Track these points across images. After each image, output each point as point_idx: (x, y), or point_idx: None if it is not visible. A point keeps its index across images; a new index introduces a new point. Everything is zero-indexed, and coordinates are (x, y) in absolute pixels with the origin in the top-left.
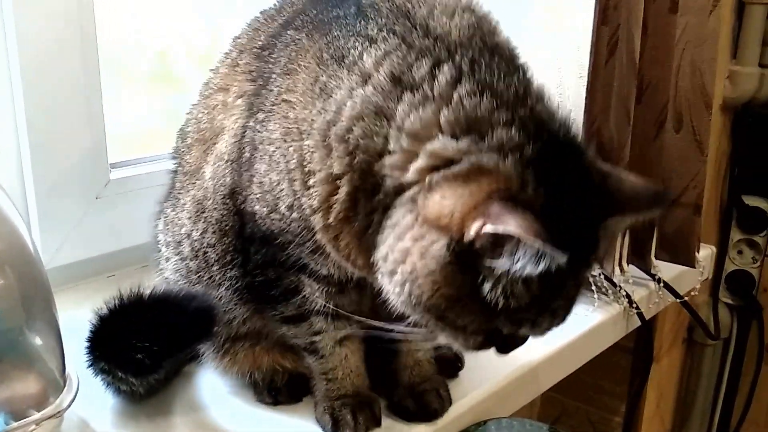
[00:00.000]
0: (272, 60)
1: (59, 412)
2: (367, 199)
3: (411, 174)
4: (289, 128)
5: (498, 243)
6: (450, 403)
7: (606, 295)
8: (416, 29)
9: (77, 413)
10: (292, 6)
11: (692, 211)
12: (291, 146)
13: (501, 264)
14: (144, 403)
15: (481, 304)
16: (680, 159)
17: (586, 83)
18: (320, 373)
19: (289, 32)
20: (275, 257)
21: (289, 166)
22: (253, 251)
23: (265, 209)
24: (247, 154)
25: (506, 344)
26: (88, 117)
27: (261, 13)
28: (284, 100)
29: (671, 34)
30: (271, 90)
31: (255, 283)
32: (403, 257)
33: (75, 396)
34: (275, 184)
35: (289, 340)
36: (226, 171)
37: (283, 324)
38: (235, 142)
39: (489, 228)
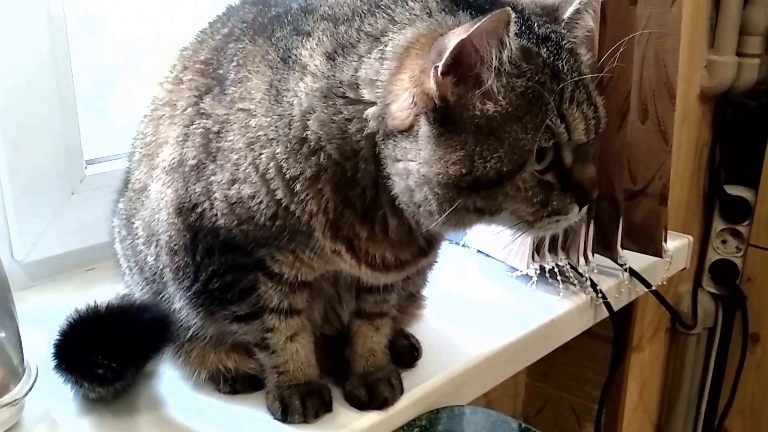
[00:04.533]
0: (217, 75)
1: (16, 400)
2: (354, 183)
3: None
4: (254, 137)
5: (463, 74)
6: (401, 392)
7: (573, 284)
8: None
9: (42, 405)
10: (236, 15)
11: (658, 202)
12: (263, 154)
13: (485, 75)
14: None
15: (494, 133)
16: (646, 150)
17: None
18: (271, 366)
19: (230, 45)
20: (235, 262)
21: (267, 176)
22: (207, 262)
23: (234, 222)
24: (192, 161)
25: (568, 177)
26: (61, 113)
27: (209, 23)
28: (241, 109)
29: (632, 24)
30: (221, 100)
31: (209, 289)
32: (407, 175)
33: (33, 385)
34: (249, 197)
35: (239, 338)
36: (168, 184)
37: (234, 323)
38: (176, 147)
39: (440, 64)
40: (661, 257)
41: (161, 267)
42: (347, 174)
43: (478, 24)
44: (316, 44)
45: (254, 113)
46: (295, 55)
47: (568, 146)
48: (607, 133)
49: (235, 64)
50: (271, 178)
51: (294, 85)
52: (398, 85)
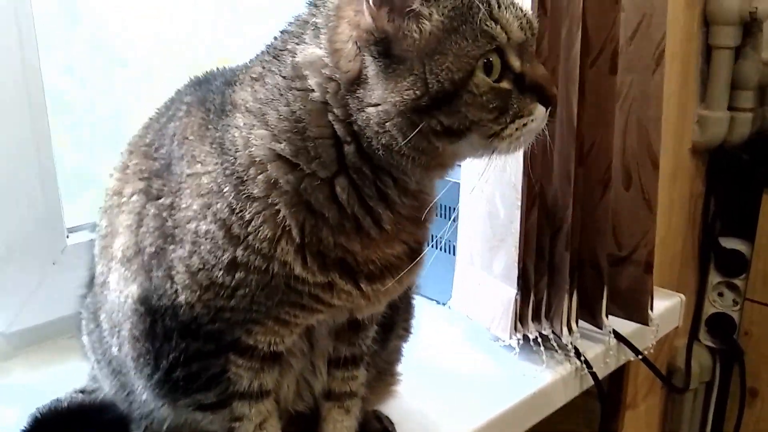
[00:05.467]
0: (160, 155)
1: None
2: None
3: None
4: (207, 191)
5: (395, 4)
6: None
7: (557, 351)
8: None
9: None
10: (179, 98)
11: (643, 269)
12: (217, 204)
13: (415, 3)
14: None
15: (437, 50)
16: (630, 216)
17: None
18: None
19: (170, 125)
20: (199, 350)
21: (220, 216)
22: (166, 348)
23: (196, 292)
24: (150, 249)
25: (522, 80)
26: (41, 184)
27: (156, 109)
28: (190, 175)
29: (611, 94)
30: (170, 179)
31: (171, 378)
32: (369, 120)
33: None
34: (208, 252)
35: (205, 427)
36: (129, 278)
37: (198, 411)
38: (129, 235)
39: None
40: (647, 325)
41: (124, 357)
42: (304, 174)
43: None
44: (239, 84)
45: (203, 172)
46: (229, 103)
47: (511, 49)
48: (589, 201)
49: (176, 143)
50: (225, 218)
51: (232, 124)
52: (340, 39)
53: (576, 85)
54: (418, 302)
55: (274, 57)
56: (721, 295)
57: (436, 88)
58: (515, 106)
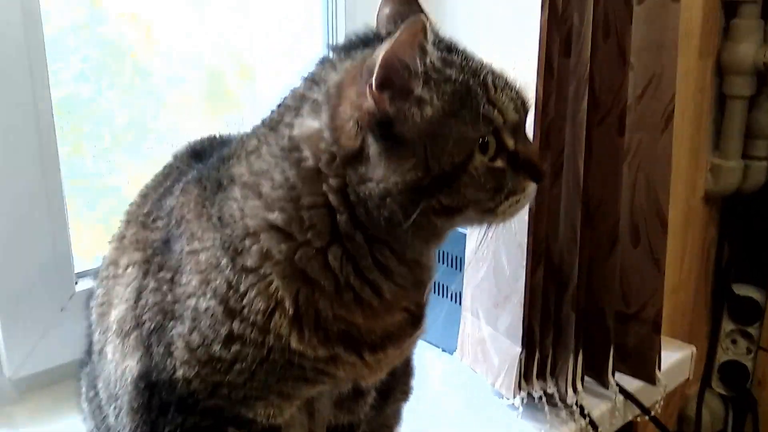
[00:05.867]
0: (158, 227)
1: None
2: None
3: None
4: (205, 267)
5: (397, 88)
6: None
7: (562, 409)
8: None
9: None
10: (175, 168)
11: (651, 328)
12: (217, 280)
13: (416, 84)
14: None
15: (438, 133)
16: (638, 275)
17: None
18: None
19: (168, 200)
20: (197, 425)
21: (218, 291)
22: (162, 421)
23: (195, 367)
24: (149, 324)
25: (515, 158)
26: (51, 228)
27: (154, 176)
28: (189, 252)
29: (619, 154)
30: (171, 253)
31: None
32: (369, 194)
33: None
34: (208, 327)
35: None
36: (126, 349)
37: None
38: (127, 309)
39: (373, 80)
40: (654, 384)
41: (121, 427)
42: (298, 243)
43: (397, 34)
44: (236, 158)
45: (201, 248)
46: (225, 177)
47: (507, 129)
48: (597, 259)
49: (174, 221)
50: (223, 293)
51: (230, 196)
52: (341, 117)
53: (582, 144)
54: (425, 348)
55: (270, 129)
56: (734, 342)
57: (437, 171)
58: (510, 184)
